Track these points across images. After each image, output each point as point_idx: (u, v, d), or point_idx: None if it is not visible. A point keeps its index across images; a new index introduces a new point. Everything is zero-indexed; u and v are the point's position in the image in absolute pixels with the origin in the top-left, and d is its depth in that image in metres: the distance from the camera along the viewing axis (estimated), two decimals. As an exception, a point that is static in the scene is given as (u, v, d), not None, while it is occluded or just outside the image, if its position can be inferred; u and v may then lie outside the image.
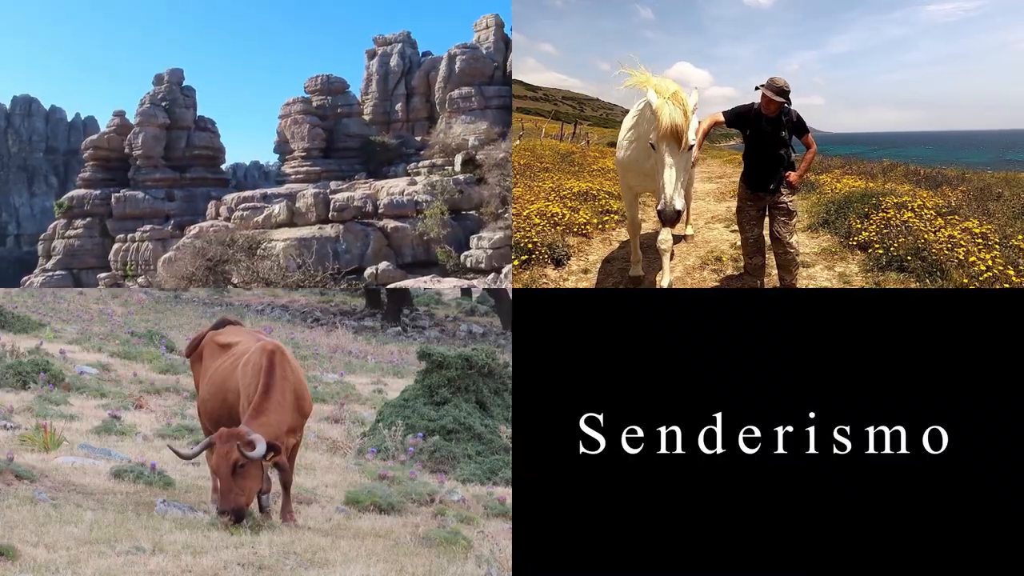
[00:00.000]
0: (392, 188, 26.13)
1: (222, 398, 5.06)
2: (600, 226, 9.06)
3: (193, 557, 3.99)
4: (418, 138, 32.08)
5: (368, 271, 22.65)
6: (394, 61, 34.34)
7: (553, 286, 6.99)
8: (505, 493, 6.04)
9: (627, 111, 6.48)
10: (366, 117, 33.77)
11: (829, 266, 7.22)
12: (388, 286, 20.85)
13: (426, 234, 23.27)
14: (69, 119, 52.46)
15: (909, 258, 6.85)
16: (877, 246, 7.25)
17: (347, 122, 32.54)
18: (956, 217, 7.89)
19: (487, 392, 7.48)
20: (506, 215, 22.48)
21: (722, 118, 5.46)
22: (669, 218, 5.01)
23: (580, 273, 7.36)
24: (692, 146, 5.12)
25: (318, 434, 7.59)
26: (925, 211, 8.14)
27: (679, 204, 5.00)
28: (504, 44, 33.34)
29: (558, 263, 7.53)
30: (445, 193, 24.57)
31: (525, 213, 8.81)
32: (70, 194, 32.82)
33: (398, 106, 33.78)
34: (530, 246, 7.54)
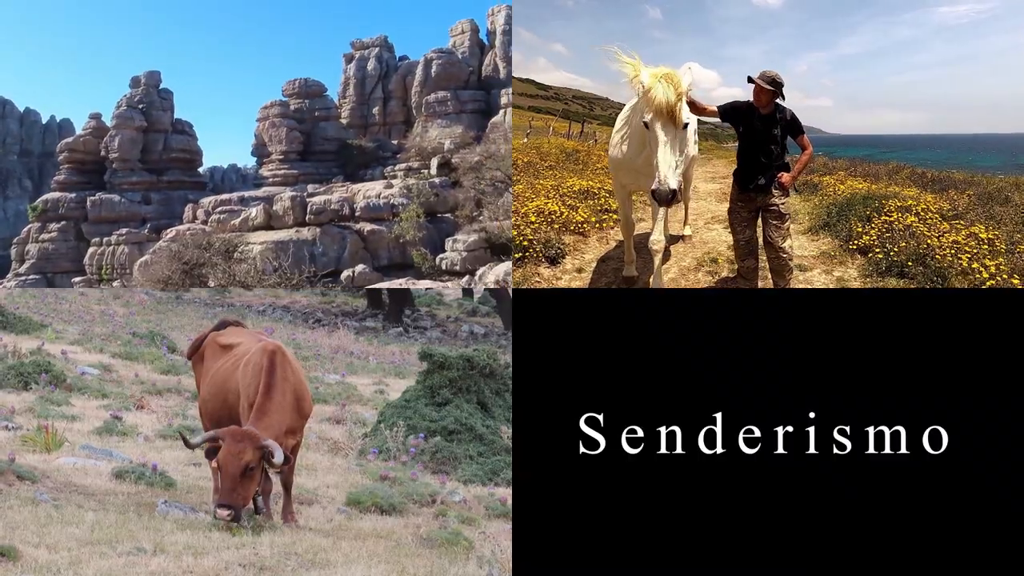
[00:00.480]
0: (369, 191, 26.26)
1: (223, 399, 5.08)
2: (598, 225, 9.00)
3: (194, 558, 4.00)
4: (395, 141, 32.33)
5: (344, 274, 22.73)
6: (371, 65, 34.60)
7: (546, 284, 6.97)
8: (506, 494, 6.04)
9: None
10: (343, 120, 33.97)
11: (827, 270, 7.10)
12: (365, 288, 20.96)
13: (402, 237, 23.37)
14: (44, 121, 52.19)
15: (910, 263, 6.68)
16: (877, 251, 7.11)
17: (324, 125, 32.69)
18: (961, 222, 7.70)
19: (488, 393, 7.49)
20: (481, 218, 22.54)
21: (715, 109, 5.37)
22: (664, 197, 4.88)
23: (574, 272, 7.32)
24: (687, 124, 5.02)
25: (320, 435, 7.61)
26: (929, 215, 7.96)
27: (673, 182, 4.87)
28: (479, 49, 33.65)
29: (552, 261, 7.47)
30: (421, 196, 24.73)
31: (523, 211, 8.76)
32: (44, 197, 32.58)
33: (375, 110, 34.00)
34: (525, 243, 7.49)
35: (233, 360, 5.13)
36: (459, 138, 28.54)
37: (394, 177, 28.23)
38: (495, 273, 17.64)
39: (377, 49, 34.98)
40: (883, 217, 7.95)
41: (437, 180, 26.22)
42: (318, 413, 8.28)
